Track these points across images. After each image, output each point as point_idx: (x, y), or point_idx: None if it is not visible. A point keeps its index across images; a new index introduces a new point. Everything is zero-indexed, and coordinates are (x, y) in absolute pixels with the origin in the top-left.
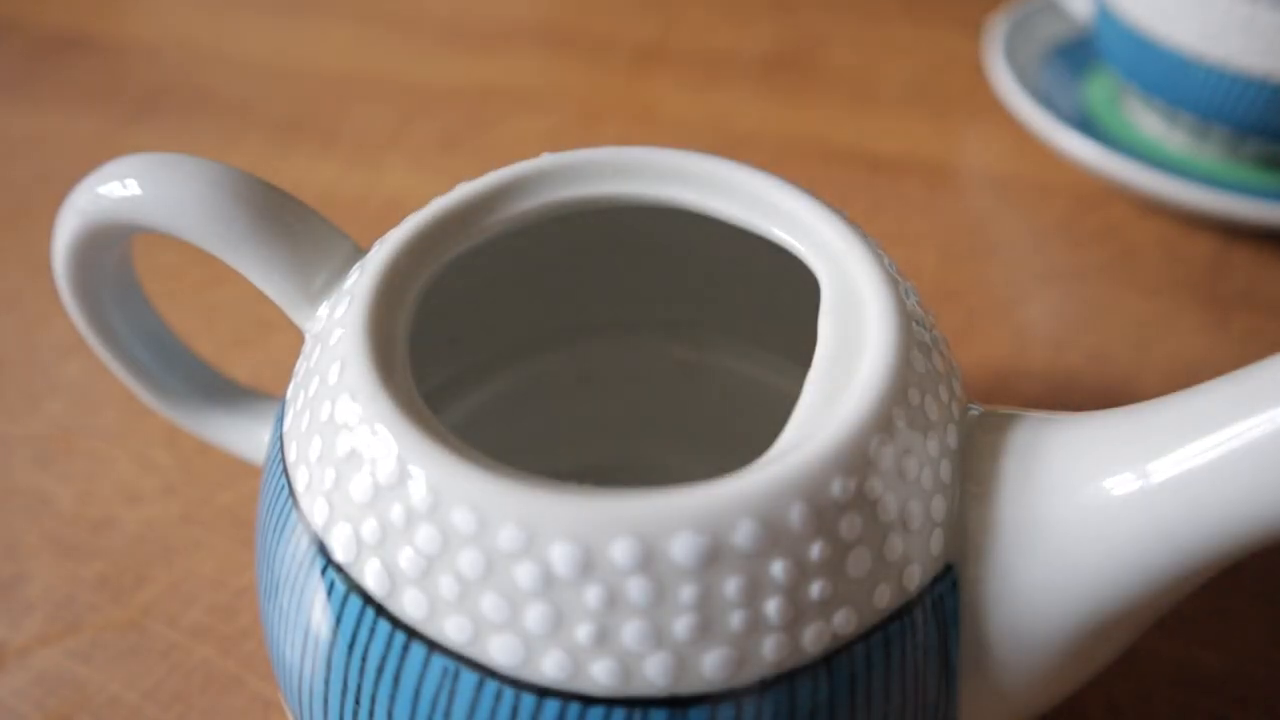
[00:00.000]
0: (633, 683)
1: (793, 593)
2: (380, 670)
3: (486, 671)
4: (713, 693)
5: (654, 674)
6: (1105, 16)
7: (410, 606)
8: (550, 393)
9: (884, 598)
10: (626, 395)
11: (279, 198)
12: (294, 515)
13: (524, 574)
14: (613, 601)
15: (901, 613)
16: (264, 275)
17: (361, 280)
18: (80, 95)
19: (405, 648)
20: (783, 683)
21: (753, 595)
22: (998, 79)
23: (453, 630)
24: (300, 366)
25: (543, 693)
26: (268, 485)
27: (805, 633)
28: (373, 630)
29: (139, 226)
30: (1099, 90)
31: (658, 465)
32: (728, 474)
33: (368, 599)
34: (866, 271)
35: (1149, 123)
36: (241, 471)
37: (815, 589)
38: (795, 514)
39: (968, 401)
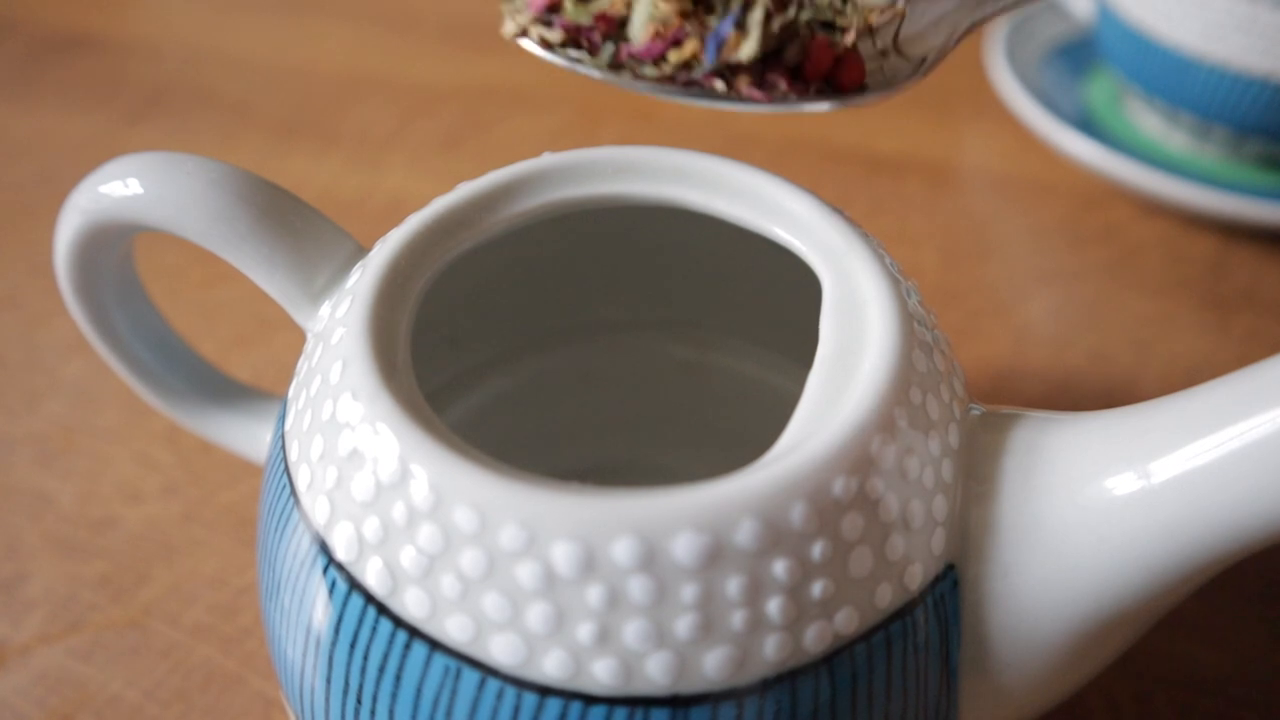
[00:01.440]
0: (634, 682)
1: (794, 592)
2: (382, 669)
3: (488, 671)
4: (714, 692)
5: (655, 673)
6: (1106, 16)
7: (412, 605)
8: (551, 392)
9: (885, 597)
10: (627, 395)
11: (281, 197)
12: (296, 514)
13: (525, 573)
14: (614, 601)
15: (903, 612)
16: (266, 274)
17: (363, 279)
18: (80, 95)
19: (407, 647)
20: (784, 682)
21: (754, 595)
22: (999, 79)
23: (454, 629)
24: (302, 365)
25: (544, 692)
26: (269, 484)
27: (807, 632)
28: (374, 629)
29: (141, 225)
30: (1100, 90)
31: (658, 465)
32: (729, 473)
33: (369, 598)
34: (868, 271)
35: (1150, 123)
36: (243, 470)
37: (817, 588)
38: (797, 513)
39: (969, 401)
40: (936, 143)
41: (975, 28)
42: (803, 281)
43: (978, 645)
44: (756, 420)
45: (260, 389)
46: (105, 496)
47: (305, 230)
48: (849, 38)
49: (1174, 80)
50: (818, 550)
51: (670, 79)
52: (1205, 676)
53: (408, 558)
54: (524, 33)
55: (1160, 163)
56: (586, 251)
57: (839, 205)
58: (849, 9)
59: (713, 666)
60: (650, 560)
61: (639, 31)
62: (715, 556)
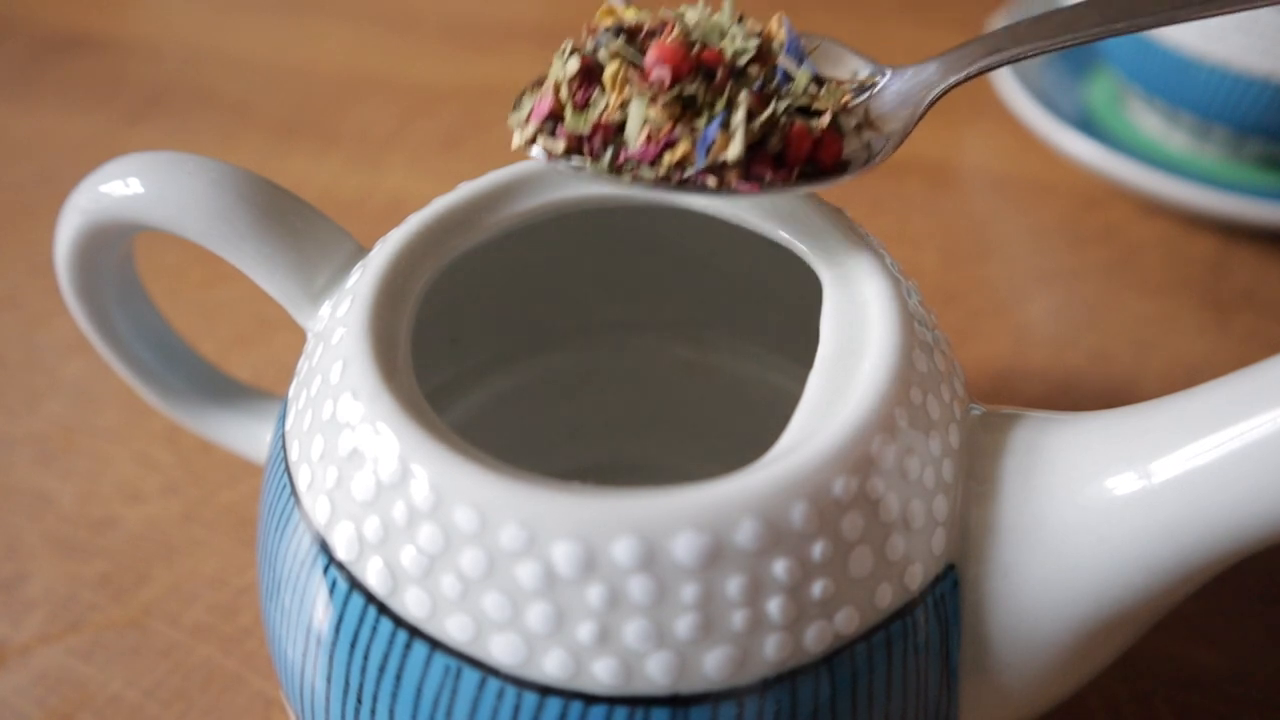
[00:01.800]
0: (634, 682)
1: (795, 592)
2: (382, 669)
3: (488, 670)
4: (714, 692)
5: (656, 673)
6: None
7: (412, 605)
8: (551, 392)
9: (886, 597)
10: (627, 395)
11: (281, 196)
12: (296, 514)
13: (526, 573)
14: (614, 600)
15: (903, 612)
16: (266, 274)
17: (364, 279)
18: (80, 95)
19: (407, 646)
20: (784, 682)
21: (755, 594)
22: (999, 79)
23: (455, 629)
24: (302, 365)
25: (545, 691)
26: (269, 484)
27: (807, 632)
28: (375, 629)
29: (141, 225)
30: (1100, 90)
31: (659, 465)
32: (729, 473)
33: (370, 597)
34: (868, 271)
35: (1150, 123)
36: (243, 470)
37: (817, 588)
38: (797, 513)
39: (969, 401)
40: (936, 143)
41: (938, 99)
42: (804, 281)
43: (978, 645)
44: (757, 420)
45: (260, 389)
46: (105, 496)
47: (305, 230)
48: (824, 120)
49: (1174, 80)
50: (818, 550)
51: (667, 179)
52: (1205, 676)
53: (408, 557)
54: (531, 143)
55: (1160, 163)
56: (586, 251)
57: (839, 205)
58: (824, 92)
59: (713, 666)
60: (650, 560)
61: (634, 136)
62: (715, 556)
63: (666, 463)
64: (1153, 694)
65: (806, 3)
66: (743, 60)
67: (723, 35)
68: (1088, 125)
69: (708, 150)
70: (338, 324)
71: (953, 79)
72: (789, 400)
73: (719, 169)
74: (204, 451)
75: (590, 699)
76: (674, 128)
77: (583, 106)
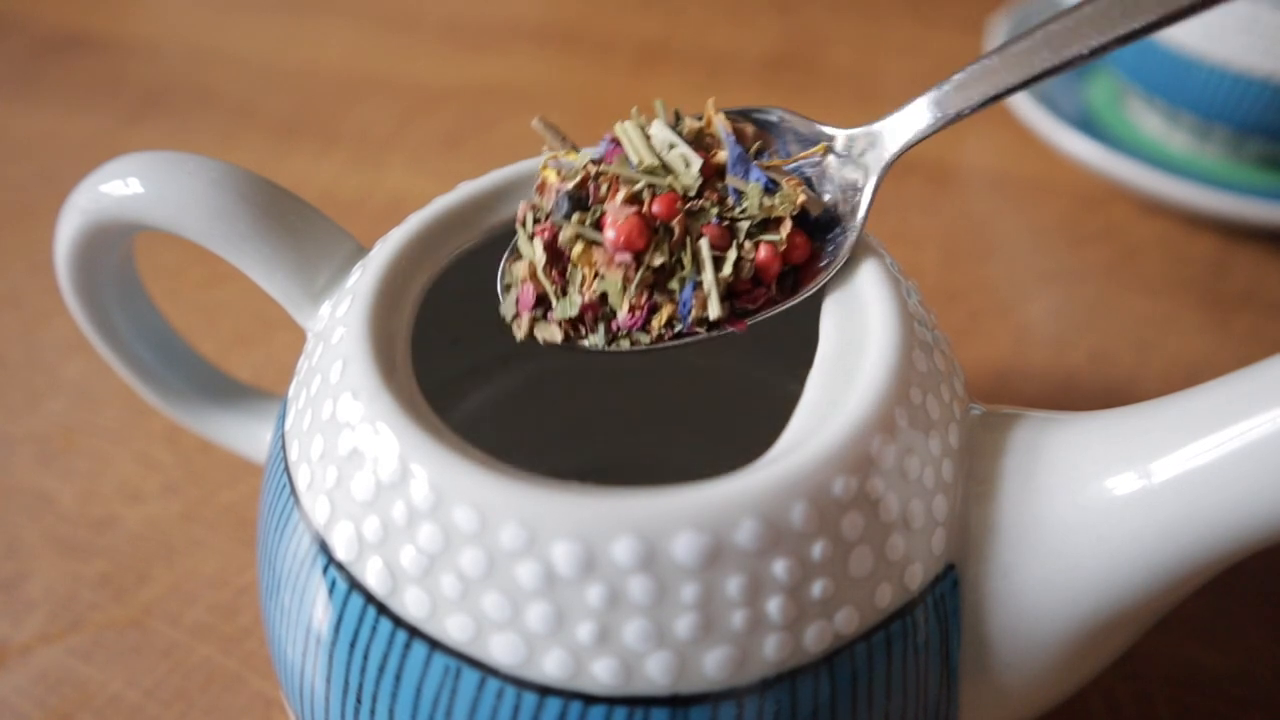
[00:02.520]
0: (634, 682)
1: (794, 592)
2: (382, 669)
3: (488, 670)
4: (714, 692)
5: (655, 673)
6: None
7: (412, 605)
8: (552, 392)
9: (886, 597)
10: (628, 394)
11: (281, 196)
12: (296, 514)
13: (526, 573)
14: (614, 600)
15: (903, 612)
16: (266, 273)
17: (364, 279)
18: (81, 94)
19: (407, 646)
20: (784, 682)
21: (754, 594)
22: None
23: (454, 629)
24: (302, 365)
25: (544, 691)
26: (269, 484)
27: (807, 632)
28: (374, 629)
29: (141, 225)
30: (1100, 90)
31: (659, 464)
32: (729, 473)
33: (369, 597)
34: (868, 271)
35: (1150, 123)
36: (243, 470)
37: (817, 588)
38: (797, 513)
39: (969, 401)
40: (936, 143)
41: (877, 191)
42: None
43: (978, 645)
44: (757, 419)
45: (260, 389)
46: (105, 496)
47: (306, 230)
48: (785, 230)
49: (1175, 80)
50: (818, 550)
51: (661, 339)
52: (1205, 676)
53: (408, 557)
54: (530, 334)
55: (1161, 163)
56: None
57: None
58: (779, 199)
59: (713, 666)
60: (650, 560)
61: (619, 310)
62: (715, 556)
63: (667, 463)
64: (1153, 694)
65: (809, 2)
66: (693, 192)
67: (666, 169)
68: (1088, 125)
69: (689, 311)
70: (338, 323)
71: (904, 144)
72: (789, 400)
73: (706, 319)
74: (204, 451)
75: (590, 699)
76: (651, 293)
77: (561, 284)
